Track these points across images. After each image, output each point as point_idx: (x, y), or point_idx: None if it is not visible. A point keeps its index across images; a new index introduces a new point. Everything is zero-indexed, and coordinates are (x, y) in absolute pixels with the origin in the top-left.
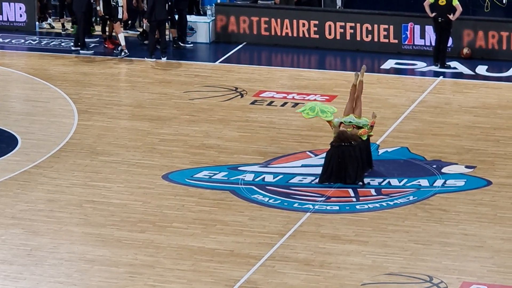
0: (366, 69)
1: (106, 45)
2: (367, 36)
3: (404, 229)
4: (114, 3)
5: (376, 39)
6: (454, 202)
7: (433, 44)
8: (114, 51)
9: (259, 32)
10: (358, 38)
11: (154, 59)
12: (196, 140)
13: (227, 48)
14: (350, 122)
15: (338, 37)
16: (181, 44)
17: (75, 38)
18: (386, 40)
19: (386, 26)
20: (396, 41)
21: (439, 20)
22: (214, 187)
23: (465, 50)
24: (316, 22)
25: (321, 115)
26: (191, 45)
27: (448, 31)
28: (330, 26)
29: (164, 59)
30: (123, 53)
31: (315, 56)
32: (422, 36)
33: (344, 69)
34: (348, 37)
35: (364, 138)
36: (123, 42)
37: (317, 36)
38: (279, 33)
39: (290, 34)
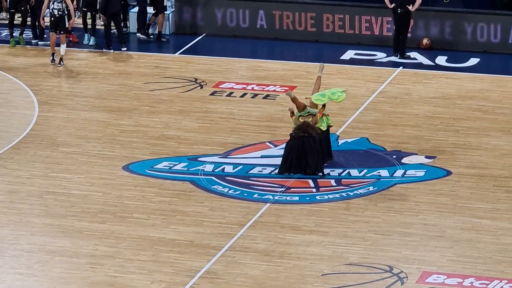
0: (323, 67)
1: (71, 39)
2: (327, 27)
3: (364, 219)
4: (60, 13)
5: (335, 30)
6: (414, 192)
7: (393, 34)
8: (52, 60)
9: (218, 23)
10: (318, 29)
11: (113, 50)
12: (156, 131)
13: (187, 40)
14: (308, 112)
15: (297, 27)
16: (141, 36)
17: (32, 30)
18: (346, 31)
19: (345, 17)
20: (355, 31)
21: (399, 11)
22: (174, 177)
23: (425, 41)
24: (276, 13)
25: (332, 97)
26: (151, 36)
27: (407, 22)
28: (289, 16)
29: (124, 50)
30: (62, 62)
31: (274, 47)
32: (382, 26)
33: (304, 59)
34: (308, 28)
35: (324, 128)
36: (63, 52)
37: (276, 27)
38: (238, 25)
39: (249, 26)
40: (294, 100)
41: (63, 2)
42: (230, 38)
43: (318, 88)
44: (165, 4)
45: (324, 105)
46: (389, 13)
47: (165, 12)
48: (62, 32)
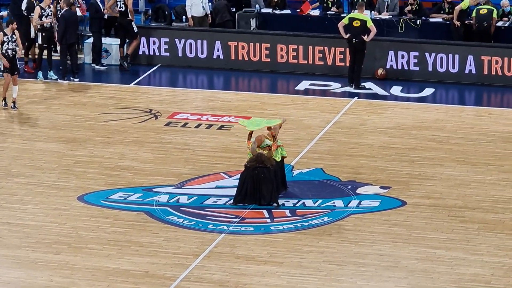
0: (285, 121)
1: (26, 69)
2: (281, 57)
3: (319, 249)
4: (14, 53)
5: (289, 60)
6: (369, 222)
7: (348, 65)
8: (5, 104)
9: (174, 54)
10: (272, 59)
11: (67, 81)
12: (111, 162)
13: (142, 70)
14: (266, 145)
15: (252, 58)
16: (96, 66)
17: None
18: (300, 61)
19: (299, 47)
20: (310, 62)
21: (354, 41)
22: (129, 208)
23: (380, 71)
24: (231, 43)
25: (267, 124)
26: (106, 67)
27: (362, 52)
28: (244, 47)
29: (76, 80)
30: (15, 106)
31: (229, 77)
32: (335, 57)
33: (259, 90)
34: (262, 58)
35: (278, 159)
36: (15, 95)
37: (232, 57)
38: (193, 55)
39: (204, 56)
40: (274, 130)
41: (15, 41)
42: (185, 69)
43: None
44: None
45: (275, 137)
46: (343, 43)
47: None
48: (16, 73)
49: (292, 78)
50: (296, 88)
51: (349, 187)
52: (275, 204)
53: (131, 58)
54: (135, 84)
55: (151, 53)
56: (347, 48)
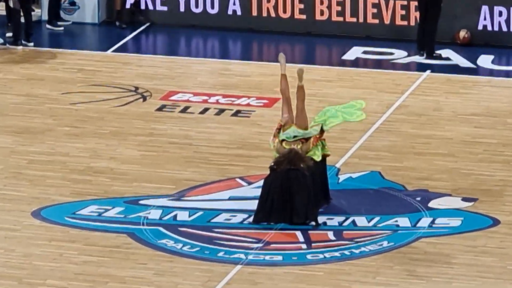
0: (285, 58)
1: None
2: (321, 13)
3: None
4: None
5: (332, 17)
6: (447, 249)
7: (417, 25)
8: None
9: (173, 7)
10: (309, 16)
11: (21, 47)
12: (80, 162)
13: (124, 32)
14: (295, 136)
15: (282, 14)
16: (48, 26)
17: None
18: (350, 19)
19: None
20: (361, 20)
21: None
22: (106, 228)
23: (462, 34)
24: None
25: (349, 118)
26: (68, 22)
27: (437, 7)
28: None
29: (30, 45)
30: None
31: (249, 42)
32: (403, 14)
33: (290, 60)
34: (295, 15)
35: (318, 158)
36: None
37: (253, 13)
38: (200, 9)
39: (215, 11)
40: (283, 78)
41: None
42: (186, 29)
43: (301, 105)
44: None
45: (322, 130)
46: None
47: None
48: None
49: (337, 43)
50: (343, 57)
51: (419, 198)
52: (313, 223)
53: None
54: (114, 51)
55: (141, 5)
56: None
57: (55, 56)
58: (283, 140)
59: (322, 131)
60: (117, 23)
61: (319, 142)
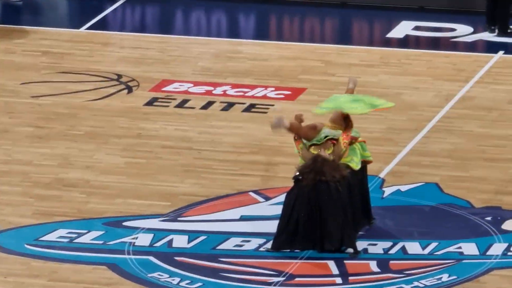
0: (356, 82)
1: None
2: None
3: None
4: None
5: None
6: None
7: None
8: None
9: None
10: None
11: None
12: (46, 173)
13: (103, 3)
14: (325, 137)
15: None
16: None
17: None
18: None
19: None
20: None
21: None
22: (79, 258)
23: None
24: None
25: (376, 102)
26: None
27: None
28: None
29: None
30: None
31: (264, 16)
32: None
33: (319, 39)
34: None
35: (357, 167)
36: None
37: None
38: None
39: None
40: (292, 129)
41: None
42: (183, 0)
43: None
44: None
45: (347, 123)
46: None
47: None
48: None
49: (380, 16)
50: (389, 35)
51: (489, 218)
52: (350, 250)
53: None
54: (90, 29)
55: None
56: None
57: (12, 35)
58: (312, 144)
59: (347, 126)
60: None
61: (358, 145)
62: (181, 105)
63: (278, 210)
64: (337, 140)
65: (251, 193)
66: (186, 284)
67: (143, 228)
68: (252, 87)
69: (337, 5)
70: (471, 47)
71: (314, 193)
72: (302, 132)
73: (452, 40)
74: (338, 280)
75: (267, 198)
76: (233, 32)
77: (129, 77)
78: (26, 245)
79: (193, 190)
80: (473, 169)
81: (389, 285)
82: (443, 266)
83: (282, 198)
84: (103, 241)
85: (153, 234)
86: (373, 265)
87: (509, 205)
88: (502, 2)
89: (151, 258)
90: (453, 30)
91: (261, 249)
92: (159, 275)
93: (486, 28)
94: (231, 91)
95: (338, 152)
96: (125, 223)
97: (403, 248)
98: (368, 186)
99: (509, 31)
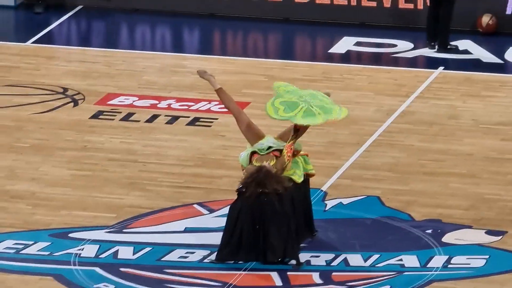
0: (207, 72)
1: None
2: None
3: None
4: None
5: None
6: None
7: (427, 9)
8: None
9: None
10: None
11: None
12: None
13: (49, 17)
14: (269, 148)
15: None
16: None
17: None
18: (339, 2)
19: None
20: (353, 2)
21: None
22: (25, 269)
23: (486, 19)
24: None
25: (329, 116)
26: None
27: None
28: None
29: None
30: None
31: (209, 30)
32: None
33: (262, 54)
34: None
35: (299, 180)
36: None
37: None
38: None
39: None
40: (219, 94)
41: None
42: (128, 14)
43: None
44: None
45: (296, 134)
46: None
47: None
48: None
49: (322, 32)
50: (331, 50)
51: (430, 231)
52: (293, 262)
53: None
54: (36, 42)
55: None
56: None
57: None
58: (253, 153)
59: (295, 133)
60: (36, 8)
61: (301, 157)
62: (126, 118)
63: (222, 222)
64: (280, 152)
65: (195, 206)
66: None
67: (89, 240)
68: (196, 101)
69: (280, 20)
70: (412, 62)
71: (257, 205)
72: (227, 103)
73: (393, 55)
74: None
75: (211, 211)
76: (178, 46)
77: (75, 91)
78: None
79: (138, 202)
80: (414, 183)
81: None
82: (384, 278)
83: (226, 210)
84: (49, 252)
85: (98, 245)
86: (316, 277)
87: (449, 218)
88: (442, 18)
89: (97, 269)
90: (394, 46)
91: (206, 260)
92: (104, 285)
93: (427, 44)
94: (175, 105)
95: (281, 164)
96: (71, 235)
97: (345, 260)
98: (310, 199)
99: (449, 47)
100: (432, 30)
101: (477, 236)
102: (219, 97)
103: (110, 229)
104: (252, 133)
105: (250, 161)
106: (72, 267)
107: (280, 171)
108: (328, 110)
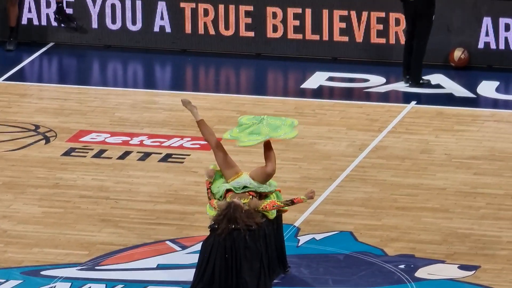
0: (190, 102)
1: None
2: (274, 30)
3: None
4: None
5: (288, 34)
6: None
7: (402, 43)
8: None
9: (83, 23)
10: (260, 32)
11: None
12: None
13: (21, 54)
14: (244, 187)
15: (223, 30)
16: None
17: None
18: (312, 37)
19: (307, 11)
20: (326, 37)
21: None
22: None
23: (458, 53)
24: (185, 5)
25: (274, 134)
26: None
27: (427, 20)
28: (207, 11)
29: None
30: None
31: (181, 66)
32: (379, 29)
33: (235, 90)
34: (241, 31)
35: (272, 216)
36: None
37: (186, 30)
38: (118, 26)
39: (138, 28)
40: (200, 125)
41: None
42: (100, 51)
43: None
44: None
45: (290, 204)
46: (390, 2)
47: None
48: None
49: (295, 67)
50: (303, 85)
51: (402, 266)
52: None
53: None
54: (8, 80)
55: (43, 22)
56: (401, 12)
57: None
58: (228, 190)
59: (290, 202)
60: (8, 45)
61: (274, 193)
62: (98, 155)
63: (194, 258)
64: (257, 193)
65: (167, 242)
66: None
67: (61, 277)
68: (169, 137)
69: (252, 56)
70: (384, 97)
71: (229, 241)
72: (206, 136)
73: (365, 90)
74: None
75: (183, 247)
76: (150, 83)
77: (47, 128)
78: None
79: (110, 239)
80: (387, 218)
81: None
82: None
83: (198, 246)
84: None
85: (71, 283)
86: None
87: (421, 253)
88: (415, 53)
89: None
90: (366, 80)
91: None
92: None
93: (403, 77)
94: (147, 141)
95: (254, 204)
96: (43, 272)
97: None
98: (283, 234)
99: (421, 81)
100: (406, 65)
101: (450, 271)
102: (199, 129)
103: (82, 266)
104: (229, 168)
105: (225, 198)
106: None
107: (253, 210)
108: (276, 128)
